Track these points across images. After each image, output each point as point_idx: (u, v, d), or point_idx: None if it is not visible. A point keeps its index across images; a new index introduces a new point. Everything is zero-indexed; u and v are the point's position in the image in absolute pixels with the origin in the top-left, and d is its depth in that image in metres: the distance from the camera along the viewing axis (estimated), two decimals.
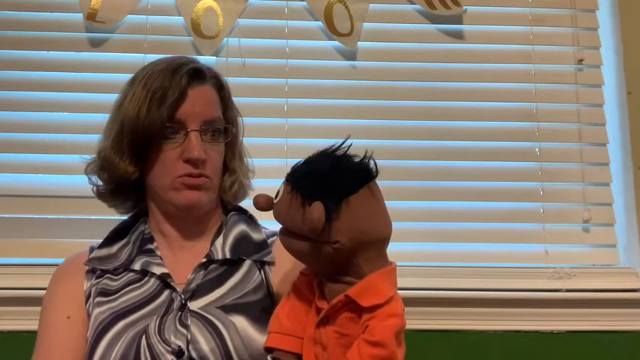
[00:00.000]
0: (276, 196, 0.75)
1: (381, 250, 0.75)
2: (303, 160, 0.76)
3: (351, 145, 0.75)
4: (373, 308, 0.70)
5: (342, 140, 0.76)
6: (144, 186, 0.95)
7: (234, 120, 0.99)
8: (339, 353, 0.71)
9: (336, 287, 0.73)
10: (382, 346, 0.68)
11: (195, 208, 0.92)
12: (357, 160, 0.74)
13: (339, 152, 0.75)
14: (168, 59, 0.95)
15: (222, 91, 0.97)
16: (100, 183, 0.97)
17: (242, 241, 0.95)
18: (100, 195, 0.98)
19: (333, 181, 0.71)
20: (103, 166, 0.94)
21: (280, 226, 0.77)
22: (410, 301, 1.04)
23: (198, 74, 0.93)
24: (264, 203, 0.75)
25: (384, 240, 0.75)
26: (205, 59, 1.47)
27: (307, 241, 0.71)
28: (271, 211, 0.76)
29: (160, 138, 0.90)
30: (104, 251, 0.96)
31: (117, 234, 0.98)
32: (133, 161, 0.91)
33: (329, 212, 0.69)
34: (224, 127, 0.95)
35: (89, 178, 0.98)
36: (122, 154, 0.91)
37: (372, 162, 0.74)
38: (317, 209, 0.67)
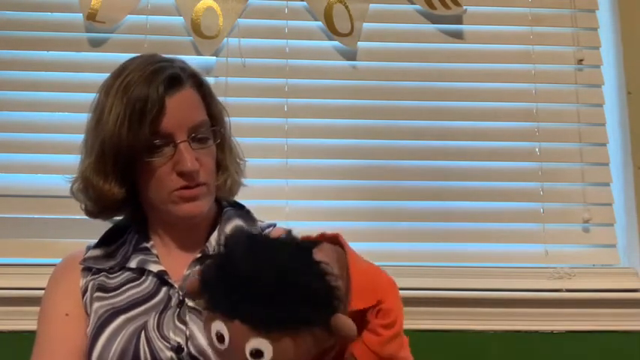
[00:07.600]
0: None
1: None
2: (231, 303, 0.54)
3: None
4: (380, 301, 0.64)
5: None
6: (138, 198, 0.92)
7: (219, 116, 0.95)
8: None
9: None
10: (397, 324, 0.64)
11: (197, 218, 0.91)
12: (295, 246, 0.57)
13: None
14: (140, 63, 0.88)
15: (202, 88, 0.93)
16: (89, 202, 0.92)
17: None
18: (91, 214, 0.94)
19: (313, 286, 0.53)
20: (87, 187, 0.90)
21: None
22: (409, 301, 1.04)
23: (175, 81, 0.87)
24: None
25: None
26: (205, 59, 1.47)
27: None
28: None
29: (147, 154, 0.86)
30: (100, 251, 0.95)
31: (113, 234, 0.97)
32: (119, 182, 0.88)
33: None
34: (212, 131, 0.92)
35: (76, 198, 0.93)
36: (106, 176, 0.87)
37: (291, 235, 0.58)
38: (344, 321, 0.53)
